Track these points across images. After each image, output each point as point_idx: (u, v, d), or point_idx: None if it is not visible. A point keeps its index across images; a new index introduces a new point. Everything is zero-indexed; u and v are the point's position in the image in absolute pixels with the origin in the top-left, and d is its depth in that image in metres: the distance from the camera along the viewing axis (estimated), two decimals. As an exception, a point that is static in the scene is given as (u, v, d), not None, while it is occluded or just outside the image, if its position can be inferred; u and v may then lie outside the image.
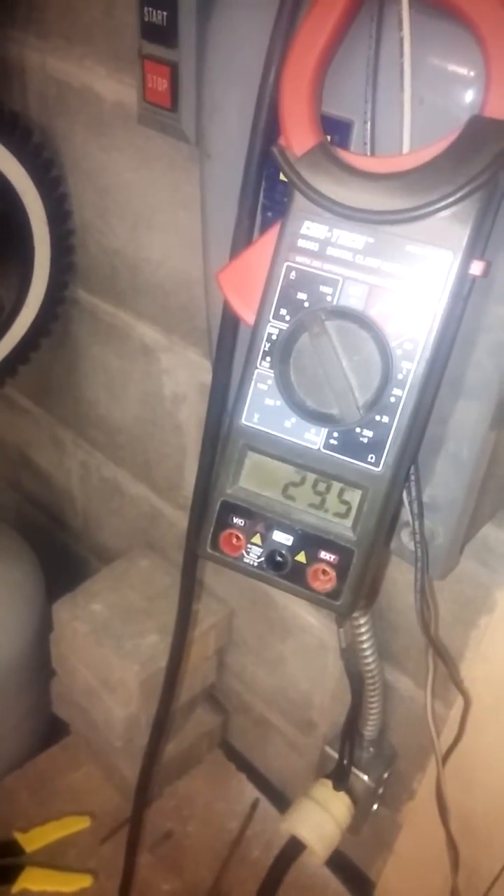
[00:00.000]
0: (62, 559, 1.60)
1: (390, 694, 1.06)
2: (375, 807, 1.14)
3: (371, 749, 1.09)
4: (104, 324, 1.20)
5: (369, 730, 1.06)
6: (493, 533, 0.85)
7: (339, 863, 1.29)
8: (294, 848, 1.09)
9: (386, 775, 1.11)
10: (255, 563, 0.59)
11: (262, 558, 0.59)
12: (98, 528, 1.51)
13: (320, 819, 1.06)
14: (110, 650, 1.20)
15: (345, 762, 1.03)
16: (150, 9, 0.74)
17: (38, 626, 1.35)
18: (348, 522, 0.57)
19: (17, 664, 1.34)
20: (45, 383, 1.39)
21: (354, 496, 0.56)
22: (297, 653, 1.22)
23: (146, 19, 0.75)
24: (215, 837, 1.32)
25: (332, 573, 0.57)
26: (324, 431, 0.56)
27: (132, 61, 0.81)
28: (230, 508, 0.59)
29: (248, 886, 1.14)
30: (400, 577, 0.96)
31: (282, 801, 1.36)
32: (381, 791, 1.12)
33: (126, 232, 1.07)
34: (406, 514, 0.68)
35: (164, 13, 0.73)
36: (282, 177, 0.55)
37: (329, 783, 1.08)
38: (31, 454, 1.57)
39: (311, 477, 0.57)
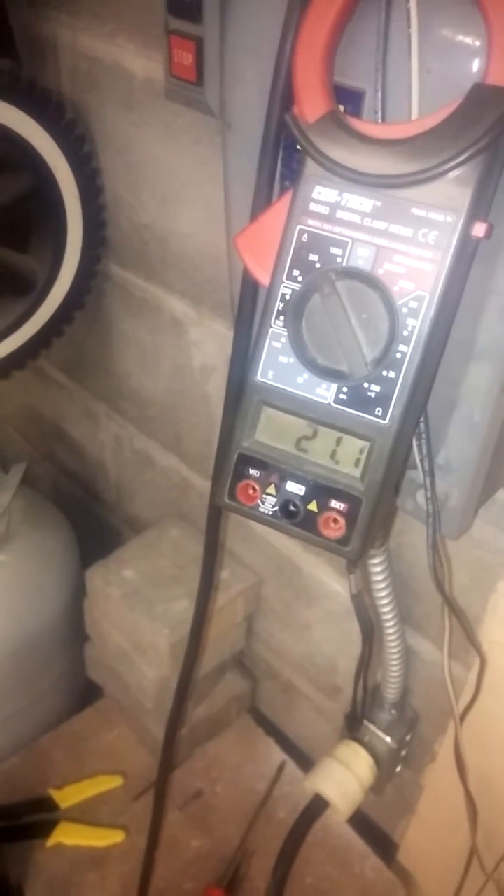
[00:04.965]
0: (96, 529, 1.63)
1: (412, 658, 1.08)
2: (399, 769, 1.17)
3: (393, 711, 1.11)
4: (136, 298, 1.22)
5: (391, 693, 1.08)
6: (511, 499, 0.87)
7: (363, 824, 1.32)
8: (317, 805, 1.12)
9: (408, 738, 1.13)
10: (270, 513, 0.62)
11: (277, 507, 0.62)
12: (130, 500, 1.54)
13: (343, 777, 1.09)
14: (142, 614, 1.23)
15: (357, 710, 1.05)
16: (176, -15, 0.76)
17: (72, 592, 1.39)
18: (357, 473, 0.59)
19: (53, 629, 1.39)
20: (79, 357, 1.42)
21: (363, 448, 0.58)
22: (322, 620, 1.24)
23: (172, -5, 0.77)
24: (243, 797, 1.36)
25: (342, 521, 0.60)
26: (334, 387, 0.58)
27: (160, 37, 0.82)
28: (246, 461, 0.62)
29: (274, 844, 1.17)
30: (420, 544, 0.98)
31: (308, 765, 1.36)
32: (403, 753, 1.14)
33: (156, 206, 1.09)
34: (420, 474, 0.70)
35: (189, -12, 0.75)
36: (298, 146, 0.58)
37: (352, 744, 1.10)
38: (65, 427, 1.60)
39: (323, 430, 0.60)
